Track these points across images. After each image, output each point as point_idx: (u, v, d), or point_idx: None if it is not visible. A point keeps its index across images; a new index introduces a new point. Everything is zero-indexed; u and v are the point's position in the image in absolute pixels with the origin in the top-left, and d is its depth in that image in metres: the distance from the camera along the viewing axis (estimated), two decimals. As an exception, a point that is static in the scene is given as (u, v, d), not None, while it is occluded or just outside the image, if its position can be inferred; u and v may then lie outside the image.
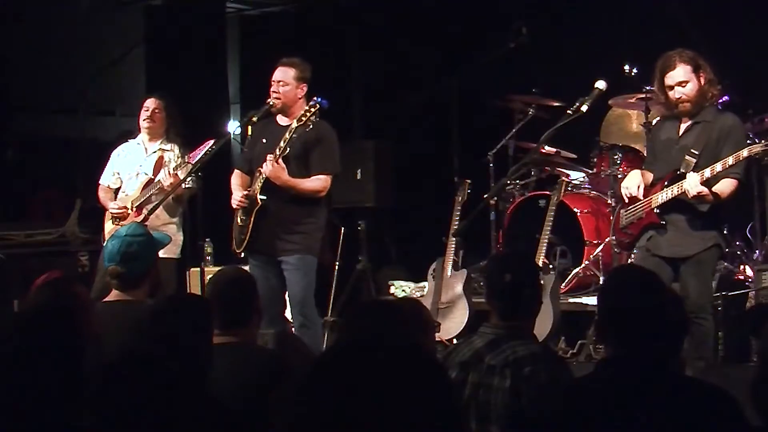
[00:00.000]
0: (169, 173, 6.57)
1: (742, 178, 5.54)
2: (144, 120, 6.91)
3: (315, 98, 6.03)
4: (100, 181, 7.00)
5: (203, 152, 6.44)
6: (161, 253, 6.64)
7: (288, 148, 6.01)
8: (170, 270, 6.74)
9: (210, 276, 7.36)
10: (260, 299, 4.28)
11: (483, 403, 3.60)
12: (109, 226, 6.81)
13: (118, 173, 6.96)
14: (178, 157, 6.78)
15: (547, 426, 2.94)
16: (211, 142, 6.46)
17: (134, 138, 7.01)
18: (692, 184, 5.38)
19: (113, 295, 4.50)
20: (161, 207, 6.64)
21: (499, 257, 5.29)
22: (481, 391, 3.62)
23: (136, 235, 4.56)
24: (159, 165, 6.77)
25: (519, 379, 3.55)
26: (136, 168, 6.89)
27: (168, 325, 3.53)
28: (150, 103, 6.95)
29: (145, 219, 6.55)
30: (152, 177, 6.76)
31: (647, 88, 6.72)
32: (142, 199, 6.73)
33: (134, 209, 6.75)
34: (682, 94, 5.52)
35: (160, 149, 6.86)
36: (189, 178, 6.61)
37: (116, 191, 6.94)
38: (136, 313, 3.96)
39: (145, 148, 6.93)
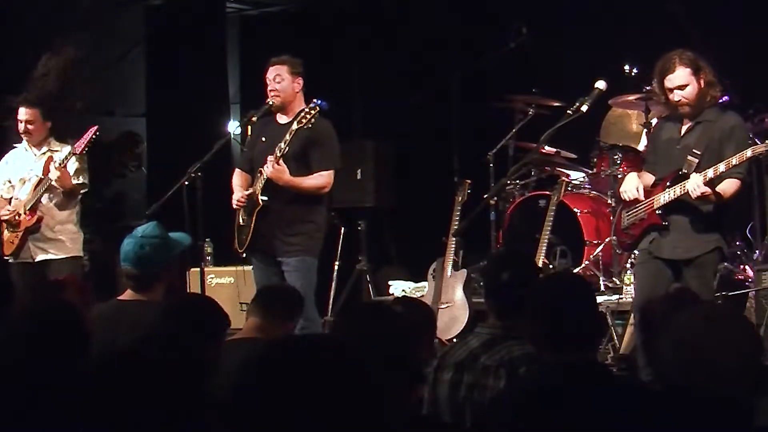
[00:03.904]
0: (57, 167, 6.50)
1: (745, 177, 5.52)
2: (21, 133, 6.72)
3: (315, 101, 6.04)
4: None
5: (87, 140, 6.47)
6: (63, 254, 6.64)
7: (287, 149, 6.02)
8: (76, 268, 6.69)
9: (210, 276, 7.43)
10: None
11: (478, 404, 3.58)
12: (6, 234, 6.72)
13: (9, 181, 6.81)
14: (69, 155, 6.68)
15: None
16: (94, 128, 6.48)
17: (21, 143, 6.85)
18: (695, 184, 5.34)
19: (127, 294, 4.55)
20: (54, 206, 6.63)
21: (497, 256, 5.29)
22: (476, 392, 3.61)
23: (151, 236, 4.54)
24: (48, 164, 6.67)
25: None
26: (26, 172, 6.76)
27: (170, 326, 3.53)
28: (21, 115, 6.69)
29: (39, 220, 6.58)
30: (42, 177, 6.66)
31: (647, 88, 6.70)
32: (34, 200, 6.64)
33: (26, 211, 6.64)
34: (681, 97, 5.45)
35: (48, 150, 6.74)
36: (80, 175, 6.60)
37: (10, 200, 6.77)
38: (149, 313, 3.99)
39: (33, 153, 6.79)
